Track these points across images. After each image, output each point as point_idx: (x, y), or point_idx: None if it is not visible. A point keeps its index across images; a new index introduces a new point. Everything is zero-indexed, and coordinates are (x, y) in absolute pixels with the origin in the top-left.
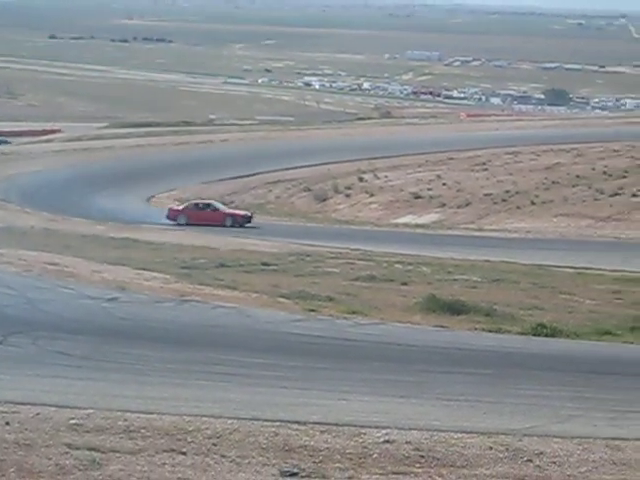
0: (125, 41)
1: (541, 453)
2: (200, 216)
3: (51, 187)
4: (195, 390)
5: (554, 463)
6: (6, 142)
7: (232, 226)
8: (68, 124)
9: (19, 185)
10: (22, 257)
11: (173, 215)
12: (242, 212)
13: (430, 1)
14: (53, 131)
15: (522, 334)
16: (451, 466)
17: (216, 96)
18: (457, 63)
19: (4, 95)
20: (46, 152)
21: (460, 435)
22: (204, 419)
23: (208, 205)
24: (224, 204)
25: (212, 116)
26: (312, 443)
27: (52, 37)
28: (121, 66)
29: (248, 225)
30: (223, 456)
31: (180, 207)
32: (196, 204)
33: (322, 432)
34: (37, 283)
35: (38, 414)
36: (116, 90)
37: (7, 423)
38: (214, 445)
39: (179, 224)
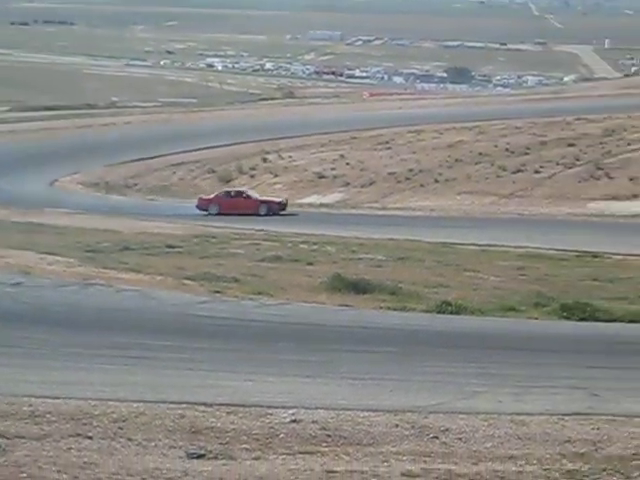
0: (25, 24)
1: (447, 430)
2: (232, 204)
3: None
4: (100, 374)
5: (460, 439)
6: None
7: (267, 215)
8: None
9: None
10: None
11: (203, 205)
12: (277, 199)
13: None
14: None
15: (427, 312)
16: (357, 444)
17: (119, 79)
18: (359, 42)
19: None
20: None
21: (366, 413)
22: (110, 403)
23: (240, 193)
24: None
25: (115, 99)
26: (219, 425)
27: None
28: (22, 49)
29: (283, 213)
30: (129, 439)
31: (210, 196)
32: (227, 192)
33: (228, 413)
34: None
35: None
36: (18, 73)
37: None
38: (120, 429)
39: (210, 214)
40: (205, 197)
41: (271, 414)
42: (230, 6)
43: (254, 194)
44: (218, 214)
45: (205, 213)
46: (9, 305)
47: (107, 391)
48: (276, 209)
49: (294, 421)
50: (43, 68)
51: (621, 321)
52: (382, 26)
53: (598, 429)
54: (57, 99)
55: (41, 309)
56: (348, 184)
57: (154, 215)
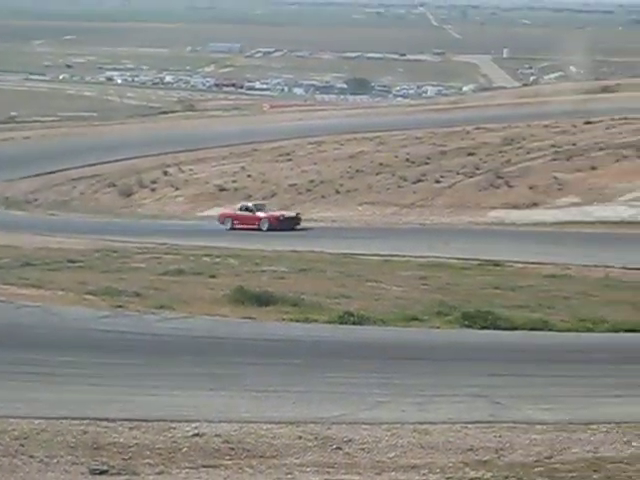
0: None
1: (350, 440)
2: (241, 220)
3: None
4: (0, 391)
5: (363, 450)
6: None
7: (269, 230)
8: None
9: None
10: None
11: (221, 219)
12: (279, 213)
13: None
14: None
15: (329, 323)
16: (261, 457)
17: (17, 93)
18: (259, 54)
19: None
20: None
21: (269, 426)
22: (11, 420)
23: (247, 207)
24: (259, 206)
25: (13, 113)
26: (121, 440)
27: None
28: None
29: (299, 228)
30: (31, 456)
31: (228, 211)
32: (240, 207)
33: (131, 429)
34: None
35: None
36: None
37: None
38: (21, 446)
39: (226, 229)
40: (223, 212)
41: (174, 428)
42: (129, 19)
43: (259, 209)
44: (231, 229)
45: (224, 228)
46: None
47: (8, 408)
48: (282, 225)
49: (197, 435)
50: None
51: (522, 329)
52: (282, 38)
53: (500, 437)
54: None
55: None
56: (250, 196)
57: (179, 234)
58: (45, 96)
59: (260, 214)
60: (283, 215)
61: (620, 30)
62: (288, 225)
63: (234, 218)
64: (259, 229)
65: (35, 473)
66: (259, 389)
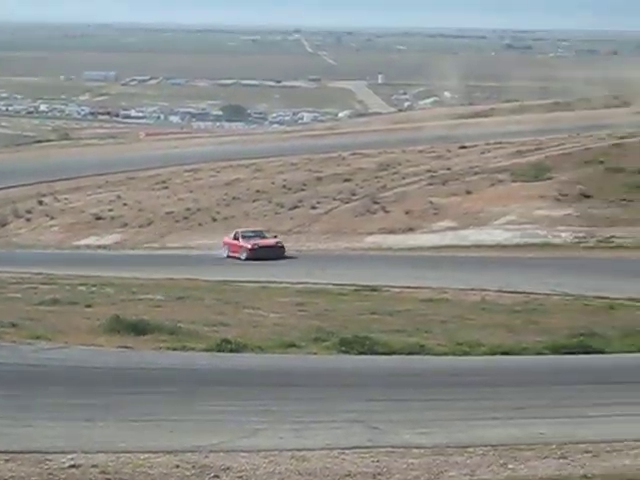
0: None
1: (228, 468)
2: (232, 248)
3: None
4: None
5: (240, 477)
6: None
7: (249, 259)
8: None
9: None
10: None
11: (223, 247)
12: (252, 244)
13: (104, 20)
14: None
15: (207, 350)
16: None
17: None
18: (134, 82)
19: None
20: None
21: (147, 455)
22: None
23: (235, 235)
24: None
25: None
26: None
27: None
28: None
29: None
30: None
31: (228, 239)
32: (234, 233)
33: (7, 461)
34: None
35: None
36: None
37: None
38: None
39: (224, 257)
40: (225, 239)
41: (50, 460)
42: (3, 48)
43: (244, 237)
44: (227, 257)
45: (224, 256)
46: None
47: None
48: (260, 254)
49: (73, 466)
50: None
51: (399, 353)
52: (157, 66)
53: (378, 461)
54: None
55: None
56: (126, 225)
57: (194, 263)
58: None
59: (242, 242)
60: (257, 244)
61: (493, 55)
62: (268, 254)
63: (229, 245)
64: (239, 258)
65: None
66: (136, 418)
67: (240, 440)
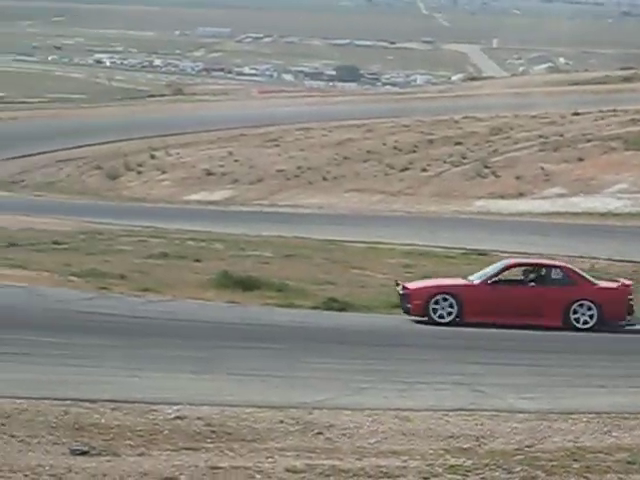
0: None
1: (331, 425)
2: None
3: None
4: None
5: (344, 435)
6: None
7: None
8: None
9: None
10: None
11: None
12: None
13: None
14: None
15: (314, 308)
16: (242, 440)
17: (5, 74)
18: (248, 40)
19: None
20: None
21: (251, 409)
22: None
23: None
24: None
25: (1, 94)
26: (103, 421)
27: None
28: None
29: None
30: (12, 436)
31: None
32: None
33: (113, 410)
34: None
35: None
36: None
37: None
38: (3, 425)
39: None
40: None
41: (155, 410)
42: (119, 2)
43: None
44: None
45: None
46: None
47: None
48: None
49: (178, 417)
50: None
51: None
52: (271, 23)
53: (481, 424)
54: None
55: None
56: (236, 181)
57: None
58: (33, 77)
59: None
60: None
61: (610, 22)
62: None
63: None
64: None
65: (16, 453)
66: (242, 373)
67: (344, 398)
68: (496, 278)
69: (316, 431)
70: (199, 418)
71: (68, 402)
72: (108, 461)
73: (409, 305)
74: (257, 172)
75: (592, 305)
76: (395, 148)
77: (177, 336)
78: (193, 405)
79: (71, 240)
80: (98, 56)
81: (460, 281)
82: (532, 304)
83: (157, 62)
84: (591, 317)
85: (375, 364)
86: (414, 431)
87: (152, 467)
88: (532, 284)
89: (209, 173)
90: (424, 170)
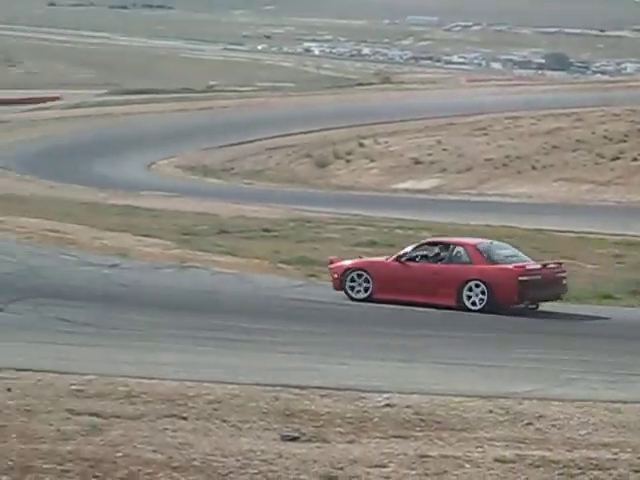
0: (124, 7)
1: (541, 416)
2: None
3: (51, 154)
4: (196, 356)
5: (554, 426)
6: None
7: None
8: (67, 91)
9: (18, 153)
10: (22, 224)
11: None
12: None
13: None
14: (52, 98)
15: None
16: (451, 429)
17: (216, 63)
18: (457, 28)
19: (3, 63)
20: (45, 119)
21: (460, 399)
22: (205, 384)
23: None
24: None
25: (212, 83)
26: (313, 407)
27: (51, 4)
28: (120, 33)
29: None
30: (224, 421)
31: None
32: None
33: (322, 396)
34: (38, 250)
35: (39, 380)
36: (116, 57)
37: (9, 389)
38: (215, 410)
39: None
40: None
41: (365, 398)
42: None
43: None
44: None
45: None
46: (106, 286)
47: (202, 373)
48: None
49: (388, 405)
50: (141, 52)
51: None
52: (479, 10)
53: None
54: (155, 83)
55: (138, 291)
56: (444, 170)
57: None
58: (243, 66)
59: None
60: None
61: None
62: None
63: None
64: None
65: (228, 437)
66: (450, 362)
67: (554, 389)
68: (409, 256)
69: (526, 422)
70: (408, 406)
71: (278, 388)
72: (318, 447)
73: (332, 280)
74: (465, 161)
75: (483, 286)
76: (605, 137)
77: (385, 325)
78: (402, 393)
79: (280, 228)
80: (307, 45)
81: (378, 258)
82: (430, 283)
83: (365, 51)
84: (483, 299)
85: (584, 355)
86: (625, 423)
87: (361, 454)
88: (436, 263)
89: (417, 162)
90: (635, 160)
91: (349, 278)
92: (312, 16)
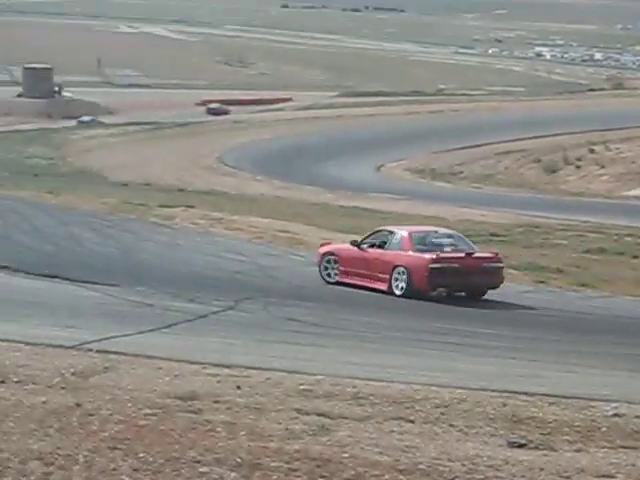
0: (357, 10)
1: None
2: None
3: (281, 155)
4: (424, 359)
5: None
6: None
7: None
8: (299, 93)
9: (250, 153)
10: (253, 224)
11: None
12: None
13: None
14: (284, 99)
15: None
16: None
17: (446, 66)
18: None
19: (236, 64)
20: (277, 120)
21: None
22: (432, 388)
23: None
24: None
25: (442, 86)
26: (540, 415)
27: (284, 6)
28: (352, 35)
29: None
30: (451, 425)
31: None
32: None
33: (550, 404)
34: (268, 250)
35: (268, 379)
36: (346, 59)
37: (238, 387)
38: (442, 414)
39: None
40: None
41: (593, 407)
42: None
43: None
44: None
45: None
46: (333, 287)
47: (430, 376)
48: None
49: (616, 415)
50: (371, 54)
51: None
52: None
53: None
54: (384, 85)
55: (363, 292)
56: None
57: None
58: (473, 70)
59: None
60: None
61: None
62: None
63: None
64: None
65: (454, 442)
66: None
67: None
68: (366, 241)
69: None
70: (637, 417)
71: (505, 394)
72: (545, 455)
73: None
74: None
75: (405, 272)
76: None
77: (614, 333)
78: (632, 403)
79: (508, 233)
80: (538, 49)
81: (344, 244)
82: (373, 268)
83: (597, 56)
84: (403, 286)
85: None
86: None
87: (589, 464)
88: (380, 249)
89: None
90: None
91: (325, 261)
92: (544, 20)
